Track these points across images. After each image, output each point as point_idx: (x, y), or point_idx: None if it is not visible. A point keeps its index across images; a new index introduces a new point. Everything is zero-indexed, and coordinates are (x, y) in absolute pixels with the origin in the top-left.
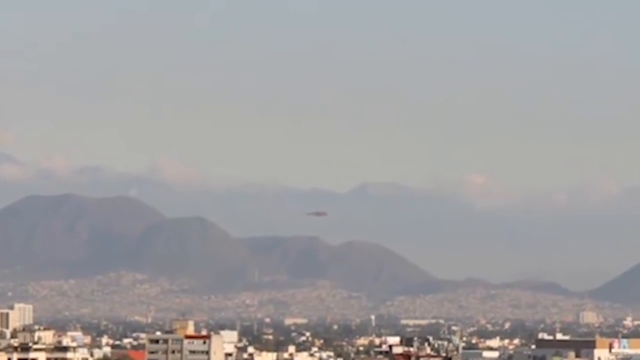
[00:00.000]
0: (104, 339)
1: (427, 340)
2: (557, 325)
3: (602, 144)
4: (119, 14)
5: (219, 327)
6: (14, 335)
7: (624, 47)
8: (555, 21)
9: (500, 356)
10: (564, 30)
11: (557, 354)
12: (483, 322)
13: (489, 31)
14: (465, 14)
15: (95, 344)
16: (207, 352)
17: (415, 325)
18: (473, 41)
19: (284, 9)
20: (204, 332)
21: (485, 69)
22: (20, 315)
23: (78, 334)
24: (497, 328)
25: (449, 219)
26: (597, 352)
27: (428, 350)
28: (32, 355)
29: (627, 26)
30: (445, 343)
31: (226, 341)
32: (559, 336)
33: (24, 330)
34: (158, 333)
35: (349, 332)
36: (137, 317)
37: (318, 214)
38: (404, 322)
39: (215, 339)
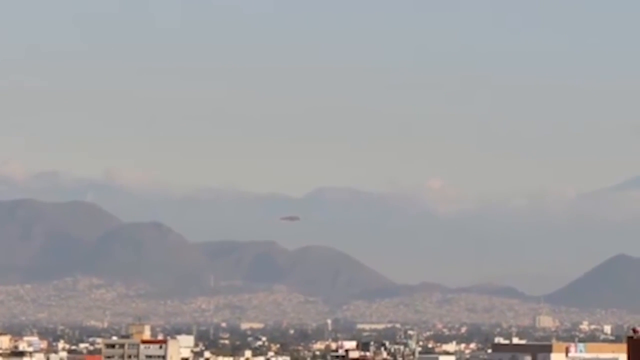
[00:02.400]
0: (61, 344)
1: (384, 344)
2: (514, 330)
3: (559, 150)
4: (76, 19)
5: (176, 331)
6: None
7: (581, 58)
8: (515, 30)
9: None
10: (524, 34)
11: (513, 358)
12: (439, 326)
13: (446, 39)
14: (427, 22)
15: (51, 349)
16: (164, 357)
17: (371, 330)
18: (434, 49)
19: (237, 20)
20: (160, 337)
21: (443, 75)
22: None
23: (34, 339)
24: (454, 332)
25: (406, 223)
26: (554, 357)
27: (384, 354)
28: None
29: (583, 41)
30: (402, 347)
31: (182, 346)
32: (515, 340)
33: None
34: (114, 338)
35: (305, 336)
36: (93, 322)
37: (291, 218)
38: (360, 326)
39: (171, 343)
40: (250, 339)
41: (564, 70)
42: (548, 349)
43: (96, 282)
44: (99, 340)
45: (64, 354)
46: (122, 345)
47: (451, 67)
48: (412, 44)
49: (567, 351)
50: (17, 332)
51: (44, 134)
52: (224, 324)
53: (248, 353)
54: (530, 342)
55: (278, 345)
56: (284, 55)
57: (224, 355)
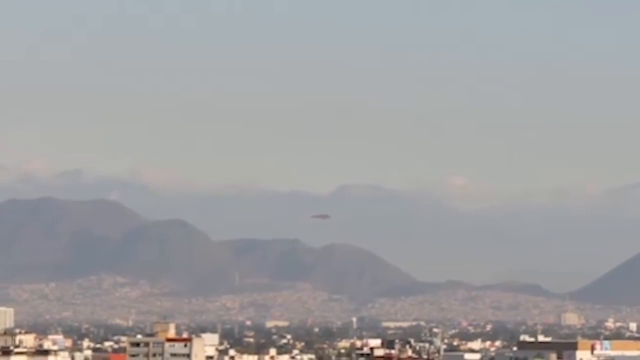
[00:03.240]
0: (85, 342)
1: (409, 342)
2: (539, 327)
3: (583, 147)
4: (103, 18)
5: (200, 330)
6: None
7: (607, 50)
8: (538, 22)
9: (481, 358)
10: (544, 32)
11: (538, 356)
12: (464, 324)
13: (469, 32)
14: (447, 17)
15: (76, 348)
16: (189, 355)
17: (396, 328)
18: (457, 43)
19: (263, 16)
20: (185, 335)
21: (466, 71)
22: (1, 318)
23: (59, 337)
24: (479, 330)
25: (430, 221)
26: (579, 354)
27: (409, 352)
28: (13, 358)
29: (610, 32)
30: (427, 345)
31: (207, 344)
32: (541, 338)
33: (5, 333)
34: (139, 336)
35: (330, 334)
36: (118, 321)
37: (322, 216)
38: (385, 324)
39: (196, 341)
40: (275, 337)
41: (588, 65)
42: (573, 347)
43: (121, 280)
44: (123, 338)
45: (88, 353)
46: (146, 344)
47: (475, 63)
48: (435, 39)
49: (592, 349)
50: (41, 331)
51: (68, 132)
52: (248, 322)
53: (273, 351)
54: (556, 340)
55: (303, 344)
56: (306, 51)
57: (249, 353)
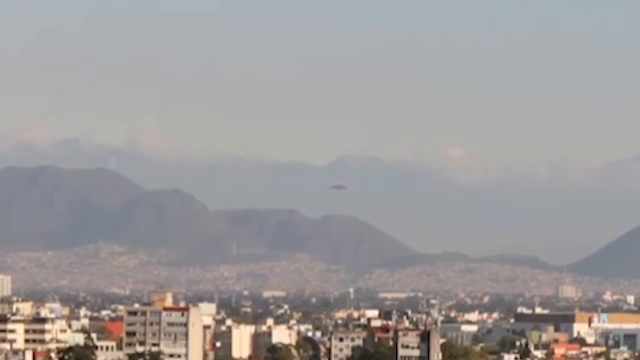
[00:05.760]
0: (82, 311)
1: (406, 313)
2: (536, 300)
3: (584, 118)
4: None
5: (197, 299)
6: None
7: (603, 23)
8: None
9: (478, 330)
10: (541, 3)
11: (536, 328)
12: (462, 295)
13: (463, 8)
14: None
15: (73, 316)
16: (185, 324)
17: (393, 299)
18: (450, 18)
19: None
20: (182, 305)
21: (463, 43)
22: None
23: (56, 305)
24: (476, 302)
25: (428, 192)
26: (577, 327)
27: (406, 323)
28: (10, 326)
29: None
30: (424, 316)
31: (204, 313)
32: (538, 310)
33: (2, 301)
34: (136, 305)
35: (327, 305)
36: (115, 289)
37: (338, 187)
38: (382, 295)
39: (193, 311)
40: (272, 307)
41: (587, 39)
42: (571, 319)
43: (118, 249)
44: (120, 307)
45: (85, 321)
46: (144, 313)
47: (473, 36)
48: (430, 12)
49: (590, 321)
50: (39, 299)
51: (66, 100)
52: (246, 292)
53: (270, 321)
54: (553, 312)
55: (300, 314)
56: (303, 22)
57: (246, 323)
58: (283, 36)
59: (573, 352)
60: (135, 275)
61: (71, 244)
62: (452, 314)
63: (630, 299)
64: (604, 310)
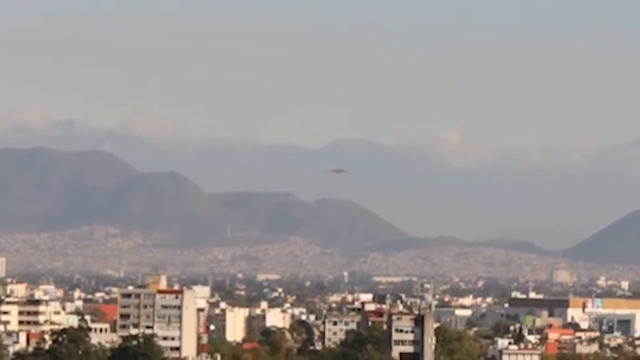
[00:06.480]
0: (76, 293)
1: (400, 297)
2: (531, 284)
3: (578, 104)
4: None
5: (192, 282)
6: None
7: (603, 15)
8: None
9: (473, 314)
10: None
11: (530, 313)
12: (456, 280)
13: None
14: None
15: (67, 298)
16: (179, 307)
17: (387, 283)
18: (446, 3)
19: None
20: (176, 287)
21: (459, 27)
22: None
23: (50, 287)
24: (470, 286)
25: (423, 176)
26: (571, 312)
27: (401, 307)
28: (4, 308)
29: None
30: (418, 301)
31: (198, 296)
32: (532, 295)
33: None
34: (130, 287)
35: (321, 288)
36: (109, 271)
37: (337, 171)
38: (376, 279)
39: (187, 294)
40: (266, 290)
41: (583, 25)
42: (565, 304)
43: (112, 231)
44: (114, 289)
45: (79, 303)
46: (138, 295)
47: (470, 19)
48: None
49: (584, 306)
50: (33, 281)
51: (61, 82)
52: (240, 275)
53: (264, 304)
54: (547, 297)
55: (294, 297)
56: (303, 6)
57: (240, 306)
58: (279, 20)
59: (567, 337)
60: (129, 257)
61: (65, 225)
62: (447, 299)
63: (625, 284)
64: (598, 296)
